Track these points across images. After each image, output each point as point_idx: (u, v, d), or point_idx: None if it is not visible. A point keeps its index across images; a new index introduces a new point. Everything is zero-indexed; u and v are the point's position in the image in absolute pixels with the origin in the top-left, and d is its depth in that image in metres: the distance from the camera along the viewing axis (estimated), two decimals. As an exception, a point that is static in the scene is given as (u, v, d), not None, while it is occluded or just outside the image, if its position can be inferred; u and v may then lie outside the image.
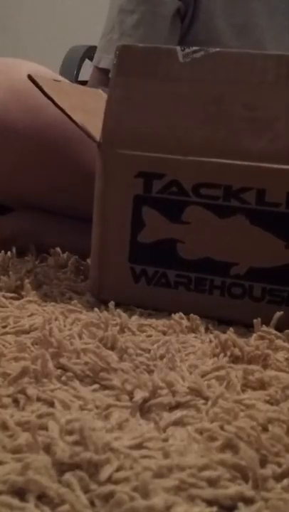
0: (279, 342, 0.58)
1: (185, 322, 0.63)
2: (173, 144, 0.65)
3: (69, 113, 0.68)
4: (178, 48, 0.66)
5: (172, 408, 0.47)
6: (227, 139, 0.64)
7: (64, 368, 0.51)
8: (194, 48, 0.65)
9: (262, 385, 0.50)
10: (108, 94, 0.68)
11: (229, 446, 0.41)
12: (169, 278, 0.67)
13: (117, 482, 0.37)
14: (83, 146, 0.82)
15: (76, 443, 0.39)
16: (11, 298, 0.69)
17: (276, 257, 0.64)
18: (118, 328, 0.60)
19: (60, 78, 0.97)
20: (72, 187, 0.89)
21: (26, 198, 0.92)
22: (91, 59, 1.69)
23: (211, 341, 0.59)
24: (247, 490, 0.37)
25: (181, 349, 0.57)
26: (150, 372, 0.51)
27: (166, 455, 0.39)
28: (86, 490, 0.36)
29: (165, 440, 0.42)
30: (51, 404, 0.45)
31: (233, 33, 1.20)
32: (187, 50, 0.65)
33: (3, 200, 0.98)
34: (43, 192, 0.91)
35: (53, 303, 0.68)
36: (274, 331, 0.59)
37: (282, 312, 0.61)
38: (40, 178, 0.89)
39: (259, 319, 0.60)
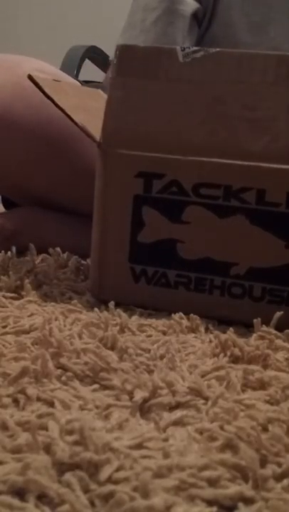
0: (279, 342, 0.58)
1: (185, 322, 0.63)
2: (173, 144, 0.65)
3: (69, 113, 0.68)
4: (178, 47, 0.66)
5: (172, 408, 0.47)
6: (227, 139, 0.64)
7: (64, 368, 0.51)
8: (194, 48, 0.65)
9: (262, 385, 0.50)
10: (108, 94, 0.68)
11: (229, 446, 0.41)
12: (169, 278, 0.67)
13: (117, 482, 0.37)
14: (87, 143, 0.82)
15: (76, 443, 0.39)
16: (11, 298, 0.69)
17: (276, 257, 0.64)
18: (118, 328, 0.60)
19: (64, 75, 0.97)
20: (75, 183, 0.89)
21: (29, 193, 0.92)
22: (91, 59, 1.69)
23: (211, 341, 0.59)
24: (247, 490, 0.37)
25: (181, 349, 0.57)
26: (150, 372, 0.51)
27: (166, 455, 0.39)
28: (86, 490, 0.36)
29: (165, 440, 0.42)
30: (51, 404, 0.45)
31: (250, 31, 1.20)
32: (187, 50, 0.65)
33: (7, 194, 0.99)
34: (45, 187, 0.91)
35: (53, 303, 0.68)
36: (274, 331, 0.59)
37: (282, 312, 0.61)
38: (43, 173, 0.89)
39: (259, 319, 0.60)
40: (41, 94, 0.69)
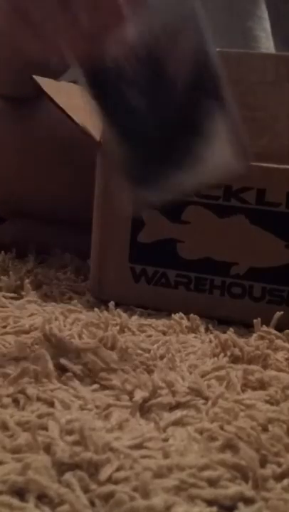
0: (279, 342, 0.58)
1: (185, 322, 0.63)
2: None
3: (69, 113, 0.68)
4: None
5: (172, 408, 0.46)
6: (227, 138, 0.64)
7: (64, 368, 0.51)
8: (194, 48, 0.65)
9: (262, 385, 0.50)
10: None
11: (229, 446, 0.40)
12: (169, 278, 0.67)
13: (117, 482, 0.37)
14: (86, 146, 0.82)
15: (76, 443, 0.39)
16: (11, 298, 0.68)
17: (276, 257, 0.64)
18: (118, 328, 0.60)
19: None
20: (71, 191, 0.88)
21: (22, 205, 0.91)
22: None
23: (211, 341, 0.59)
24: (247, 490, 0.37)
25: (181, 349, 0.57)
26: (150, 372, 0.51)
27: (166, 455, 0.39)
28: (86, 490, 0.36)
29: (165, 440, 0.42)
30: (51, 404, 0.45)
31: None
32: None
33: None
34: (42, 197, 0.90)
35: (53, 303, 0.68)
36: (274, 331, 0.59)
37: (282, 312, 0.61)
38: (40, 181, 0.89)
39: (259, 319, 0.60)
40: None
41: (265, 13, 1.04)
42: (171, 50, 0.50)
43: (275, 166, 0.62)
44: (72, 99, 0.73)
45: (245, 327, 0.63)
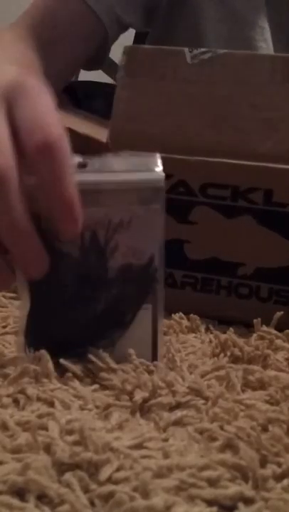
0: (279, 342, 0.58)
1: (185, 322, 0.62)
2: (180, 144, 0.65)
3: (69, 126, 0.68)
4: (186, 49, 0.66)
5: (172, 408, 0.46)
6: (234, 139, 0.64)
7: (64, 368, 0.50)
8: (202, 50, 0.65)
9: (262, 385, 0.50)
10: (115, 94, 0.68)
11: (229, 446, 0.40)
12: (175, 278, 0.67)
13: (117, 482, 0.37)
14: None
15: (76, 443, 0.39)
16: (11, 298, 0.68)
17: (283, 258, 0.63)
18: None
19: None
20: None
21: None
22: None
23: (211, 341, 0.59)
24: (247, 490, 0.37)
25: (181, 349, 0.57)
26: (150, 372, 0.51)
27: (166, 455, 0.39)
28: (86, 490, 0.36)
29: (165, 440, 0.42)
30: (51, 404, 0.45)
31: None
32: (195, 52, 0.65)
33: None
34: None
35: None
36: (274, 331, 0.59)
37: (282, 312, 0.61)
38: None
39: (259, 319, 0.60)
40: None
41: (266, 23, 1.03)
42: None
43: (283, 166, 0.62)
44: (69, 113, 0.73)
45: (245, 327, 0.63)
